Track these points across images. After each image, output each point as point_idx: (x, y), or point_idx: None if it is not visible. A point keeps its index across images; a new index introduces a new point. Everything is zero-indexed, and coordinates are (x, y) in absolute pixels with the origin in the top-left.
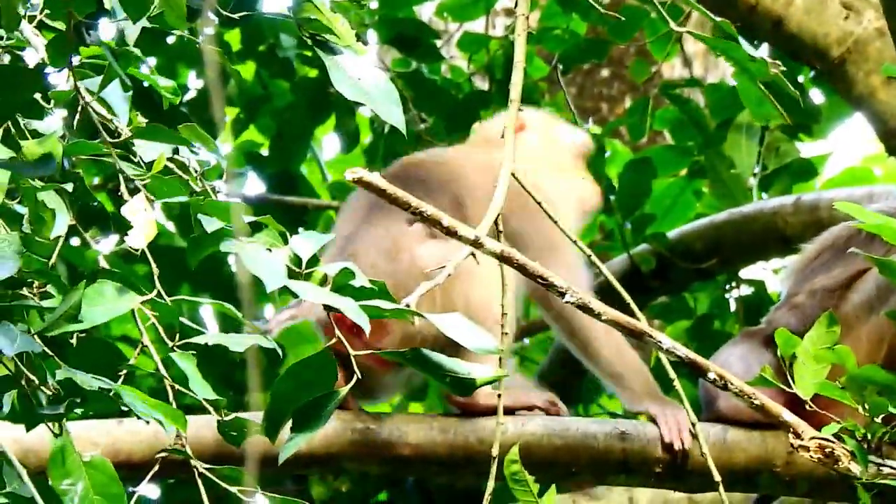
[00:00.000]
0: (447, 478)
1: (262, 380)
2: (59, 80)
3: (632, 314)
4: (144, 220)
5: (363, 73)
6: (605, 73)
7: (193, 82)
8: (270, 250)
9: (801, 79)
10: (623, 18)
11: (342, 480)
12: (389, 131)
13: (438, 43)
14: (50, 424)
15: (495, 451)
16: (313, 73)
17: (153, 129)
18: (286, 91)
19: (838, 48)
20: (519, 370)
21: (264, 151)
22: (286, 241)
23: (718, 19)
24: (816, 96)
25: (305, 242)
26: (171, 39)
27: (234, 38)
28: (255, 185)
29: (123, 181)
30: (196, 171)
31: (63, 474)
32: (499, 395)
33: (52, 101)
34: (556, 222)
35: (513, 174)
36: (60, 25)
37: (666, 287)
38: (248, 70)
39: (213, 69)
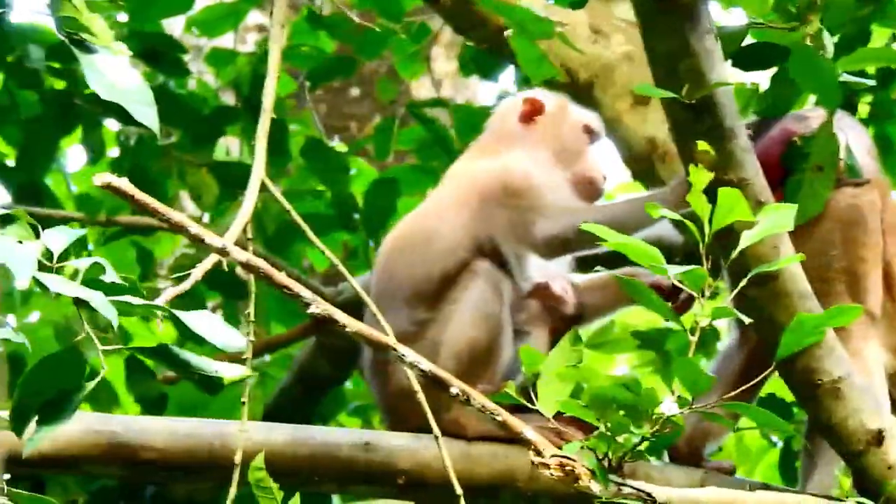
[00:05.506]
0: (191, 484)
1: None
2: None
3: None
4: None
5: (119, 74)
6: (355, 91)
7: None
8: (21, 242)
9: None
10: (378, 29)
11: (78, 492)
12: (136, 144)
13: (187, 58)
14: None
15: (238, 458)
16: (61, 84)
17: None
18: (34, 102)
19: (586, 72)
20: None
21: (10, 162)
22: (38, 236)
23: None
24: None
25: (58, 236)
26: None
27: None
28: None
29: None
30: None
31: None
32: (241, 403)
33: None
34: (312, 239)
35: (263, 182)
36: None
37: None
38: None
39: None
